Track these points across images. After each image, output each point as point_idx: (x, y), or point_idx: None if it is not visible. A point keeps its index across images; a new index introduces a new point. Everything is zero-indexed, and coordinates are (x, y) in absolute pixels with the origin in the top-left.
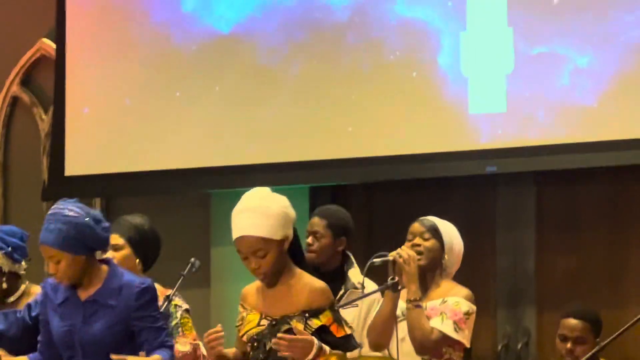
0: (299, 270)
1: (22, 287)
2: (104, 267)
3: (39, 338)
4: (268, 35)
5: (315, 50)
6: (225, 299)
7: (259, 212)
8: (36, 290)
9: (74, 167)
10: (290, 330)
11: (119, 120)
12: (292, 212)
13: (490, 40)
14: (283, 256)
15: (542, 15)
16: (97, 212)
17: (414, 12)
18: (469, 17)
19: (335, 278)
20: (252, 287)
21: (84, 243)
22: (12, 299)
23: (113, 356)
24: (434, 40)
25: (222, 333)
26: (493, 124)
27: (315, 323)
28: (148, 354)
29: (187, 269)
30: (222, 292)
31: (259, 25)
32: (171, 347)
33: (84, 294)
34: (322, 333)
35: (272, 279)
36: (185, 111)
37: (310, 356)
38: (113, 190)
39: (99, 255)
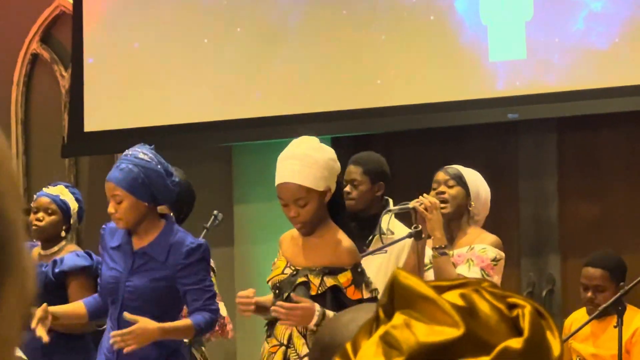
0: (334, 226)
1: (62, 243)
2: (162, 222)
3: (99, 280)
4: None
5: (335, 0)
6: (249, 257)
7: (305, 161)
8: (70, 249)
9: (93, 123)
10: (303, 285)
11: (137, 76)
12: (337, 165)
13: None
14: (322, 208)
15: None
16: (170, 166)
17: None
18: None
19: (375, 224)
20: (289, 234)
21: (150, 190)
22: (50, 251)
23: (126, 314)
24: None
25: (254, 300)
26: (513, 70)
27: (329, 282)
28: (189, 315)
29: (210, 221)
30: (245, 251)
31: None
32: (213, 311)
33: (137, 244)
34: (337, 292)
35: (309, 229)
36: (205, 65)
37: (312, 323)
38: (132, 144)
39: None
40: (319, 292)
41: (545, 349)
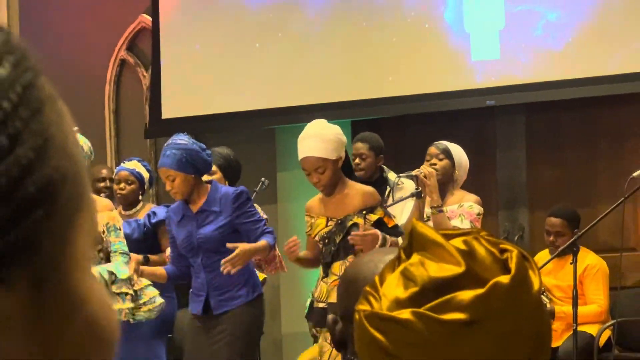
0: (350, 181)
1: (140, 205)
2: (207, 186)
3: (169, 254)
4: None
5: (355, 13)
6: (289, 213)
7: (318, 138)
8: (148, 208)
9: (168, 111)
10: (354, 225)
11: (202, 74)
12: (343, 138)
13: (485, 2)
14: (337, 171)
15: None
16: (201, 143)
17: None
18: None
19: (378, 185)
20: (315, 200)
21: (193, 164)
22: (131, 212)
23: (229, 244)
24: (441, 3)
25: (299, 241)
26: (490, 67)
27: (372, 217)
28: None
29: (259, 186)
30: (286, 208)
31: None
32: (271, 232)
33: (195, 207)
34: (378, 225)
35: (330, 189)
36: (255, 63)
37: (377, 246)
38: (199, 128)
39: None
40: (369, 224)
41: (527, 284)
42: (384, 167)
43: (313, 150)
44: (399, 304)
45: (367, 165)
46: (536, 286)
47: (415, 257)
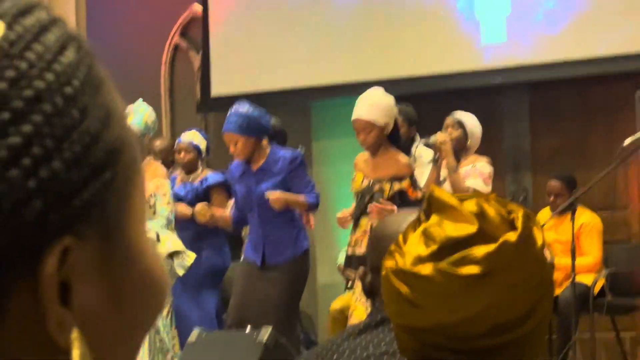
0: (393, 150)
1: (199, 170)
2: (267, 148)
3: (233, 204)
4: None
5: (379, 1)
6: (322, 177)
7: (370, 103)
8: (206, 173)
9: (217, 90)
10: (380, 191)
11: (246, 56)
12: (395, 109)
13: None
14: (382, 136)
15: None
16: (261, 108)
17: None
18: None
19: (408, 147)
20: (363, 156)
21: (253, 128)
22: (192, 177)
23: (268, 194)
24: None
25: (350, 218)
26: (498, 50)
27: (397, 186)
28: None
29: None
30: (320, 171)
31: None
32: (317, 196)
33: (255, 166)
34: (402, 194)
35: (373, 150)
36: (293, 46)
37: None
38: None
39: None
40: (389, 194)
41: (532, 240)
42: (418, 138)
43: (364, 114)
44: (420, 260)
45: (401, 133)
46: (539, 242)
47: (434, 218)
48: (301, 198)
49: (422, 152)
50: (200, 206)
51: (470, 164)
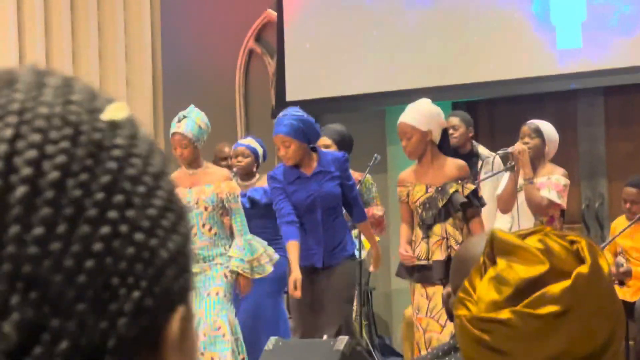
0: (444, 155)
1: (256, 176)
2: (315, 153)
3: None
4: None
5: (454, 5)
6: (391, 183)
7: (414, 109)
8: (263, 178)
9: (292, 95)
10: (456, 192)
11: (320, 62)
12: (438, 117)
13: None
14: (425, 142)
15: None
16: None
17: None
18: None
19: (469, 157)
20: (408, 171)
21: (305, 134)
22: (248, 183)
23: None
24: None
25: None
26: (573, 55)
27: (469, 187)
28: (349, 209)
29: (372, 161)
30: (394, 176)
31: None
32: (363, 209)
33: (308, 170)
34: (474, 194)
35: (413, 156)
36: (366, 52)
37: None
38: (318, 109)
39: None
40: (465, 194)
41: (601, 269)
42: (474, 142)
43: (406, 118)
44: (496, 305)
45: (459, 134)
46: (606, 269)
47: (502, 263)
48: (373, 241)
49: (495, 161)
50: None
51: (546, 176)
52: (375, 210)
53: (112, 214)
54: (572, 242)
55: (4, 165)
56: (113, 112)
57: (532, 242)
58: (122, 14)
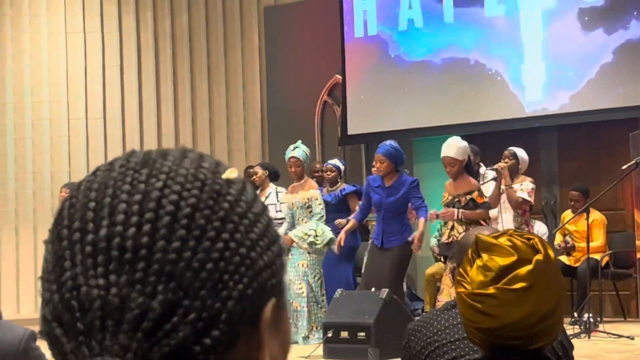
0: (467, 175)
1: (339, 184)
2: (397, 173)
3: (360, 204)
4: (466, 57)
5: (460, 73)
6: (425, 192)
7: (454, 146)
8: (342, 186)
9: (351, 130)
10: (458, 202)
11: (370, 107)
12: (468, 149)
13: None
14: (461, 168)
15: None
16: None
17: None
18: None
19: (476, 174)
20: (448, 182)
21: (395, 157)
22: (333, 189)
23: (415, 248)
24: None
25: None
26: (536, 104)
27: (469, 197)
28: (417, 211)
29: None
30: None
31: (453, 51)
32: (426, 207)
33: (388, 182)
34: (473, 201)
35: (454, 176)
36: (400, 100)
37: (456, 216)
38: (368, 139)
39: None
40: (465, 202)
41: (550, 256)
42: (481, 164)
43: (450, 153)
44: (483, 284)
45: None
46: (553, 256)
47: (485, 256)
48: (422, 223)
49: (487, 174)
50: (337, 221)
51: (520, 182)
52: None
53: (225, 235)
54: (529, 239)
55: (155, 203)
56: (229, 174)
57: (503, 241)
58: (241, 76)
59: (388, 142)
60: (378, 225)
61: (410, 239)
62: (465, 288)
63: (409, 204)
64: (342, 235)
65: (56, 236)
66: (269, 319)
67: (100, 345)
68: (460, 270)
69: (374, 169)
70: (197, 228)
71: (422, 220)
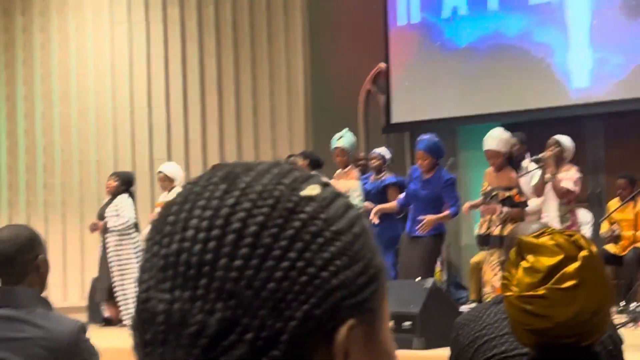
0: (509, 168)
1: (383, 173)
2: (436, 167)
3: (406, 191)
4: (511, 44)
5: (504, 58)
6: (467, 176)
7: (497, 138)
8: (387, 175)
9: (395, 119)
10: (495, 195)
11: (414, 96)
12: (510, 141)
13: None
14: (505, 160)
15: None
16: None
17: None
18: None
19: (521, 160)
20: (489, 170)
21: (436, 151)
22: (379, 177)
23: (420, 217)
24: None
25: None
26: (582, 91)
27: (507, 193)
28: (449, 208)
29: (449, 162)
30: (466, 173)
31: (498, 38)
32: (458, 206)
33: (425, 176)
34: (510, 199)
35: (498, 168)
36: (446, 87)
37: (496, 214)
38: (413, 128)
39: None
40: (502, 198)
41: (594, 251)
42: (527, 152)
43: (492, 146)
44: (532, 285)
45: (516, 150)
46: (596, 251)
47: (531, 258)
48: (446, 213)
49: (532, 163)
50: (374, 208)
51: (565, 171)
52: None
53: (292, 254)
54: (570, 236)
55: (224, 220)
56: (309, 190)
57: (546, 240)
58: (285, 65)
59: (427, 135)
60: (411, 213)
61: (421, 217)
62: (512, 291)
63: (445, 199)
64: (377, 207)
65: (145, 246)
66: (344, 341)
67: (162, 358)
68: (505, 272)
69: (418, 163)
70: (261, 247)
71: (448, 212)
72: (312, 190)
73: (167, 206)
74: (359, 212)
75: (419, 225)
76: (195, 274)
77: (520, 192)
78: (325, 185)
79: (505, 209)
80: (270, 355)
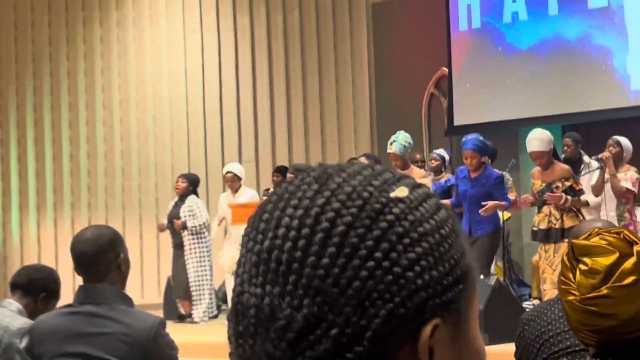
0: (556, 161)
1: (443, 174)
2: (484, 165)
3: (455, 192)
4: (571, 47)
5: (560, 62)
6: (527, 176)
7: (538, 138)
8: (446, 176)
9: (458, 121)
10: (556, 187)
11: (476, 99)
12: (551, 137)
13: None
14: (549, 157)
15: None
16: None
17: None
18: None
19: (578, 163)
20: (535, 170)
21: (483, 150)
22: (440, 177)
23: (483, 202)
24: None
25: (532, 198)
26: None
27: (566, 184)
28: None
29: (510, 164)
30: (525, 174)
31: (558, 42)
32: (508, 199)
33: (473, 175)
34: (571, 187)
35: (544, 166)
36: (506, 92)
37: (561, 202)
38: (475, 130)
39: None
40: (563, 189)
41: None
42: (582, 151)
43: (535, 147)
44: (594, 287)
45: (570, 150)
46: None
47: (587, 260)
48: (502, 203)
49: (592, 163)
50: None
51: (624, 172)
52: (510, 195)
53: (377, 254)
54: (618, 233)
55: (313, 220)
56: (398, 192)
57: (598, 241)
58: (350, 70)
59: (472, 135)
60: (465, 214)
61: (483, 203)
62: (575, 295)
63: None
64: None
65: (242, 242)
66: (428, 340)
67: (252, 350)
68: (562, 278)
69: (466, 162)
70: (348, 246)
71: (502, 202)
72: (401, 192)
73: (264, 204)
74: (449, 214)
75: (483, 209)
76: (285, 270)
77: (577, 181)
78: (415, 187)
79: (570, 198)
80: (354, 350)
